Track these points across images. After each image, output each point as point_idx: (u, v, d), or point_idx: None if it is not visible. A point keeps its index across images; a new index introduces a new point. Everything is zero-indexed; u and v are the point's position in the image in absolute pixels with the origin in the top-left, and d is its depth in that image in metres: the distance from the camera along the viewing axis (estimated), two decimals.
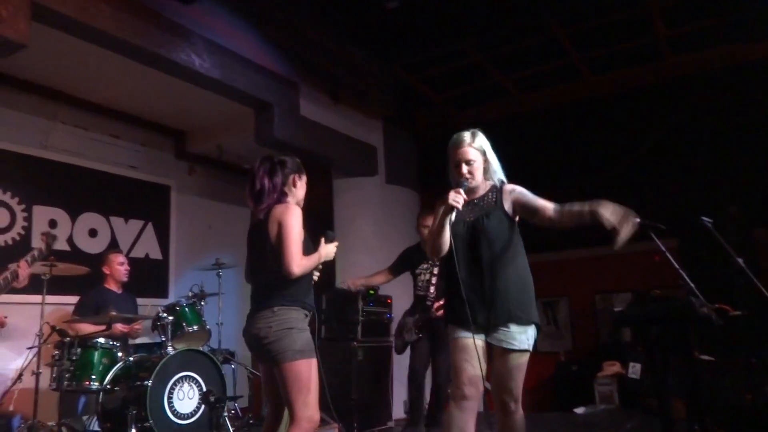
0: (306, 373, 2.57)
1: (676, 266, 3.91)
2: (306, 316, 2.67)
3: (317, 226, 7.59)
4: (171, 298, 5.64)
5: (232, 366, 5.02)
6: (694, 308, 2.79)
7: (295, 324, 2.60)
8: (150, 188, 5.96)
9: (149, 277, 5.75)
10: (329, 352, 5.09)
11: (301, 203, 2.81)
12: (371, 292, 5.29)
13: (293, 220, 2.60)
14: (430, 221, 3.61)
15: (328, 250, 2.71)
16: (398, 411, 5.52)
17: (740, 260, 3.16)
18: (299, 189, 2.81)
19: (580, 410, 6.78)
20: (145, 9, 3.86)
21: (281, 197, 2.71)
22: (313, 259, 2.67)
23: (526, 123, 6.56)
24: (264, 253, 2.67)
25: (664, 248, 3.95)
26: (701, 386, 3.85)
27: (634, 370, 6.96)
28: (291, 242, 2.55)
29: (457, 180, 2.55)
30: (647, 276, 6.02)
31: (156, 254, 5.90)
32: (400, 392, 5.54)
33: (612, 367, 7.50)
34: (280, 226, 2.58)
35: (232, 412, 4.66)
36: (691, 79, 5.75)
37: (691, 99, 5.92)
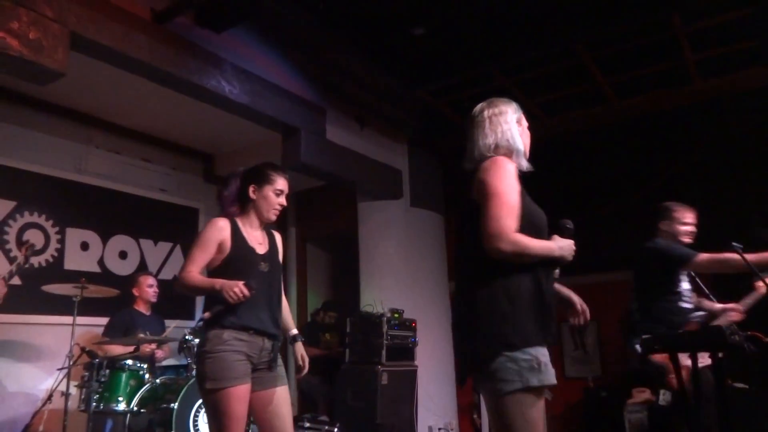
0: (217, 406, 2.36)
1: (706, 291, 3.88)
2: (238, 338, 2.43)
3: (342, 249, 7.67)
4: (198, 320, 5.70)
5: None
6: (724, 336, 2.72)
7: (211, 347, 2.41)
8: (179, 211, 6.07)
9: (177, 298, 5.83)
10: (353, 376, 5.09)
11: (268, 213, 2.66)
12: (396, 315, 5.28)
13: (199, 234, 2.59)
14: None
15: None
16: None
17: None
18: (259, 199, 2.64)
19: None
20: (179, 38, 3.98)
21: (232, 207, 2.68)
22: (214, 283, 2.44)
23: (552, 147, 6.52)
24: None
25: (693, 274, 3.93)
26: (734, 415, 3.75)
27: (665, 397, 6.78)
28: (186, 256, 2.55)
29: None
30: None
31: None
32: (425, 417, 5.49)
33: (642, 394, 7.32)
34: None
35: None
36: (720, 102, 5.68)
37: (719, 122, 5.84)
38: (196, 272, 2.51)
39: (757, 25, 4.73)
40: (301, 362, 2.82)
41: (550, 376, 1.87)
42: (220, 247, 2.56)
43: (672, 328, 3.39)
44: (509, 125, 2.09)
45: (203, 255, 2.54)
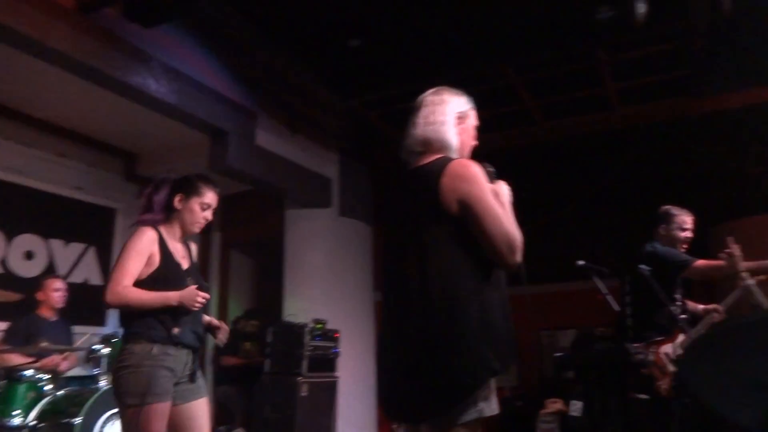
0: (138, 422, 2.23)
1: (616, 308, 4.05)
2: (167, 353, 2.34)
3: (267, 256, 7.51)
4: (109, 328, 5.41)
5: None
6: (629, 354, 2.88)
7: (133, 361, 2.30)
8: (95, 211, 5.76)
9: (87, 304, 5.51)
10: (272, 387, 4.98)
11: (191, 226, 2.55)
12: (318, 326, 5.22)
13: (130, 243, 2.40)
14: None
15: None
16: None
17: (673, 308, 3.31)
18: (184, 210, 2.52)
19: None
20: (105, 31, 3.78)
21: (157, 215, 2.52)
22: (169, 297, 2.33)
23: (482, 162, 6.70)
24: None
25: (606, 291, 4.09)
26: (636, 424, 3.92)
27: (575, 407, 7.07)
28: (115, 267, 2.38)
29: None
30: (592, 314, 6.15)
31: (96, 280, 5.67)
32: (345, 428, 5.45)
33: (554, 405, 7.59)
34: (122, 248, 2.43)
35: None
36: (638, 129, 6.02)
37: (637, 148, 6.19)
38: (131, 285, 2.37)
39: (674, 60, 5.06)
40: (217, 324, 2.69)
41: (496, 405, 1.76)
42: (150, 260, 2.43)
43: (663, 333, 3.43)
44: (444, 117, 1.94)
45: (136, 266, 2.39)
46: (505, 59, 4.91)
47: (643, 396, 5.19)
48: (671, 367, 3.29)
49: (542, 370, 8.82)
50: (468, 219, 1.74)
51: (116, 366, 2.37)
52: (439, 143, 1.91)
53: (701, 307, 3.71)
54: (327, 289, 5.81)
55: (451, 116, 1.95)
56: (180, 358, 2.41)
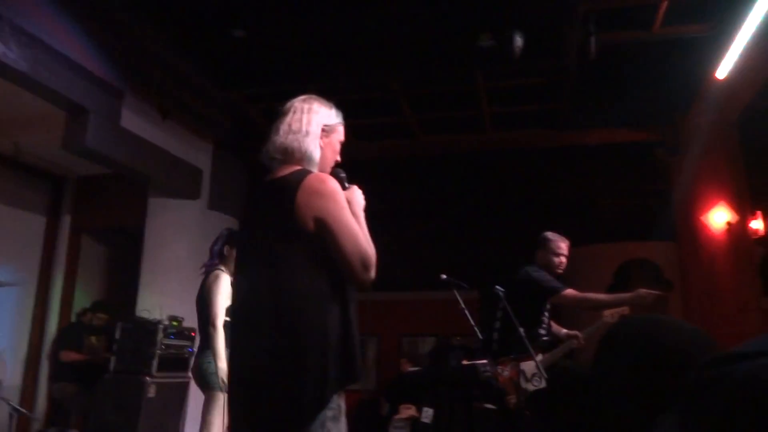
0: None
1: (472, 323, 4.24)
2: None
3: (124, 245, 7.03)
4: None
5: None
6: (477, 374, 3.02)
7: None
8: None
9: None
10: (116, 386, 4.65)
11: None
12: (175, 323, 4.95)
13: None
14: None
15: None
16: None
17: (521, 330, 3.48)
18: (229, 257, 3.60)
19: None
20: None
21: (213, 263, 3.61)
22: None
23: (361, 169, 6.74)
24: None
25: (463, 305, 4.28)
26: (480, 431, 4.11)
27: (427, 414, 7.33)
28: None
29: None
30: (450, 323, 6.40)
31: None
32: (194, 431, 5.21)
33: (408, 411, 7.83)
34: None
35: None
36: (507, 153, 6.37)
37: (504, 171, 6.55)
38: None
39: (544, 94, 5.41)
40: None
41: (345, 425, 1.72)
42: None
43: (523, 352, 3.52)
44: (309, 128, 1.85)
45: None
46: (390, 71, 4.97)
47: (490, 406, 5.50)
48: (524, 384, 3.50)
49: (400, 376, 9.06)
50: (323, 236, 1.70)
51: None
52: (299, 154, 1.83)
53: (564, 331, 3.94)
54: (187, 285, 5.51)
55: (316, 127, 1.87)
56: None
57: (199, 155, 5.84)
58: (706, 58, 4.55)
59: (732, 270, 5.54)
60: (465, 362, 3.62)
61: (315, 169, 1.85)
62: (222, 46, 4.73)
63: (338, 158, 1.97)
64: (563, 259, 3.89)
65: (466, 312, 4.26)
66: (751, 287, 5.54)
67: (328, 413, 1.64)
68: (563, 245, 3.90)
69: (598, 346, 1.08)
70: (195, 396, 5.07)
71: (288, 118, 1.87)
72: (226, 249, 3.65)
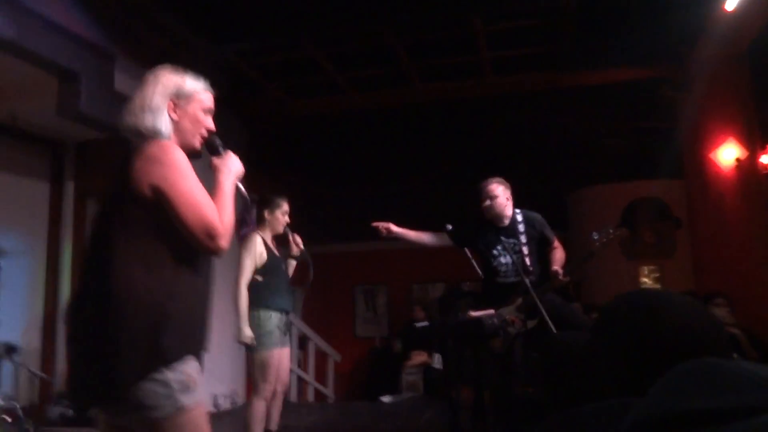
0: None
1: (478, 270, 4.25)
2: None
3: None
4: None
5: (14, 362, 4.46)
6: (483, 326, 3.05)
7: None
8: None
9: None
10: None
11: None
12: None
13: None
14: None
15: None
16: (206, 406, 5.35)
17: (527, 279, 3.47)
18: (271, 220, 3.83)
19: (386, 399, 7.14)
20: None
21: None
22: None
23: (357, 120, 6.67)
24: None
25: (470, 254, 4.30)
26: (486, 371, 4.18)
27: (438, 360, 7.51)
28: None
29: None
30: (459, 269, 6.46)
31: None
32: (211, 384, 5.38)
33: (419, 357, 8.01)
34: None
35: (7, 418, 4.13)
36: (506, 98, 6.25)
37: (504, 116, 6.44)
38: None
39: (543, 35, 5.25)
40: None
41: (202, 394, 1.70)
42: None
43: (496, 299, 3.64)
44: (152, 102, 1.76)
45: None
46: (385, 18, 4.83)
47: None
48: (509, 329, 3.55)
49: (413, 322, 9.24)
50: (162, 204, 1.65)
51: None
52: (147, 131, 1.75)
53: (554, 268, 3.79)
54: None
55: (161, 100, 1.79)
56: None
57: None
58: None
59: (741, 206, 5.49)
60: (472, 314, 3.65)
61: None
62: (213, 2, 4.61)
63: (207, 126, 1.90)
64: (487, 203, 3.74)
65: (473, 261, 4.30)
66: (761, 222, 5.51)
67: (175, 382, 1.59)
68: (486, 189, 3.77)
69: (597, 321, 1.05)
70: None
71: (136, 95, 1.80)
72: (266, 213, 3.76)
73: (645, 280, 7.05)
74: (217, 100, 6.11)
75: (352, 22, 4.88)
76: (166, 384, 1.58)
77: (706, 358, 0.65)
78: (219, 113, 6.18)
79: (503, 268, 3.73)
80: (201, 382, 1.68)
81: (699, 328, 0.90)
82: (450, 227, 4.06)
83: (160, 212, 1.65)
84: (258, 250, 3.68)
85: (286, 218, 3.81)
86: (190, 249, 1.69)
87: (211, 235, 1.66)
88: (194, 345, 1.70)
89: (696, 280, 6.08)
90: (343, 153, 7.13)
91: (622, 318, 0.96)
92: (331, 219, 8.80)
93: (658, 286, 6.99)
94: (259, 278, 3.68)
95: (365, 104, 6.30)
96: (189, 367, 1.64)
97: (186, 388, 1.61)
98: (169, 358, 1.60)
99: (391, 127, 6.77)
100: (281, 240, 3.96)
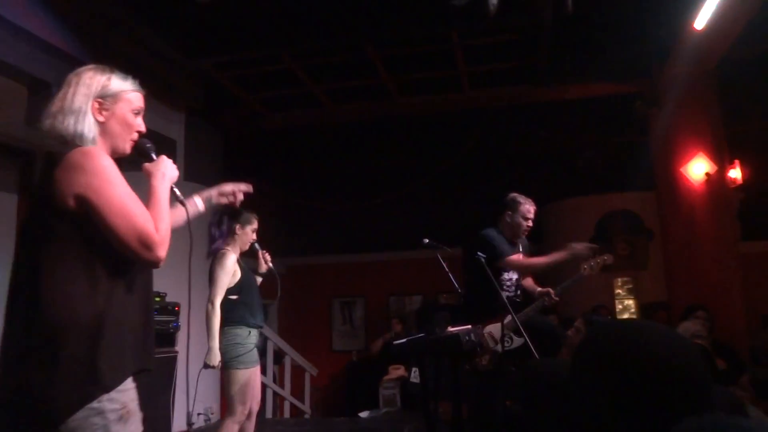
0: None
1: (456, 286, 4.23)
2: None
3: None
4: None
5: None
6: (460, 343, 3.03)
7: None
8: None
9: None
10: None
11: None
12: (158, 298, 4.93)
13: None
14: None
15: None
16: (180, 424, 5.24)
17: (504, 295, 3.50)
18: (240, 235, 3.61)
19: (364, 414, 7.06)
20: None
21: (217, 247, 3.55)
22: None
23: (335, 133, 6.66)
24: None
25: (447, 268, 4.27)
26: (465, 389, 4.17)
27: (416, 374, 7.45)
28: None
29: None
30: (437, 281, 6.47)
31: None
32: (184, 403, 5.25)
33: (397, 371, 7.95)
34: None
35: None
36: (484, 112, 6.32)
37: (482, 130, 6.50)
38: None
39: (521, 50, 5.32)
40: None
41: (138, 425, 1.56)
42: None
43: (487, 315, 3.60)
44: (74, 105, 1.62)
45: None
46: (364, 32, 4.84)
47: (467, 367, 5.62)
48: (492, 346, 3.55)
49: (387, 337, 9.19)
50: (90, 216, 1.51)
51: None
52: (70, 137, 1.59)
53: (539, 289, 3.84)
54: (168, 259, 5.44)
55: (84, 101, 1.64)
56: None
57: (171, 126, 5.69)
58: (683, 9, 4.49)
59: (711, 219, 5.62)
60: (450, 329, 3.63)
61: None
62: (188, 14, 4.56)
63: (138, 128, 1.75)
64: (531, 223, 3.82)
65: (450, 275, 4.28)
66: (730, 234, 5.64)
67: (111, 415, 1.47)
68: (532, 209, 3.83)
69: (576, 354, 1.03)
70: (183, 368, 5.10)
71: (56, 98, 1.64)
72: (237, 227, 3.61)
73: (619, 291, 7.13)
74: (194, 111, 6.00)
75: (330, 35, 4.88)
76: (101, 413, 1.46)
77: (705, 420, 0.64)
78: (195, 125, 6.10)
79: (508, 283, 3.77)
80: (137, 413, 1.56)
81: (682, 366, 0.90)
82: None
83: (89, 225, 1.51)
84: (232, 268, 3.60)
85: (254, 235, 3.72)
86: (125, 262, 1.56)
87: (146, 244, 1.53)
88: (135, 364, 1.58)
89: (669, 292, 6.18)
90: (321, 166, 7.10)
91: (605, 356, 0.95)
92: (309, 231, 8.74)
93: (631, 297, 7.08)
94: (233, 297, 3.57)
95: (343, 117, 6.30)
96: (126, 396, 1.52)
97: (120, 418, 1.49)
98: (108, 384, 1.47)
99: (369, 140, 6.78)
100: (246, 255, 3.88)
